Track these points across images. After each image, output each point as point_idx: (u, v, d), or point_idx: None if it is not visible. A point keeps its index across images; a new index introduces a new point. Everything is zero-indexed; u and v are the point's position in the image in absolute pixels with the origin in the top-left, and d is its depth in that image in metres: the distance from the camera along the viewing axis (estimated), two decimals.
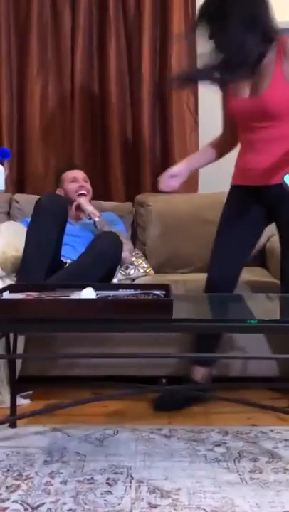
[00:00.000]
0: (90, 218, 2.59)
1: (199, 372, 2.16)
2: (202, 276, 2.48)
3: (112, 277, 2.31)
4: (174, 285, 1.68)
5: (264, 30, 1.90)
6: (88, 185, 2.76)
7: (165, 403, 2.11)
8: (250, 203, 2.07)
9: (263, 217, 2.09)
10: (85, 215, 2.65)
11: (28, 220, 2.38)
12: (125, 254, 2.50)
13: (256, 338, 2.19)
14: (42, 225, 2.13)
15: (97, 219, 2.56)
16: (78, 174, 2.76)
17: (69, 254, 2.39)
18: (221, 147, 2.20)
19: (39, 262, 2.11)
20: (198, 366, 2.16)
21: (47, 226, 2.14)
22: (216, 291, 2.09)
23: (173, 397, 2.10)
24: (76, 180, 2.73)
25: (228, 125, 2.16)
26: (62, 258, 2.31)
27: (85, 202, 2.65)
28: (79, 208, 2.67)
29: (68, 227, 2.33)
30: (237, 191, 2.13)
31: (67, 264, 2.33)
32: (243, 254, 2.15)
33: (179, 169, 2.19)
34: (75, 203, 2.65)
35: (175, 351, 2.23)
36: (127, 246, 2.57)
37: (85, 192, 2.71)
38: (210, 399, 2.14)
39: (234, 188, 2.16)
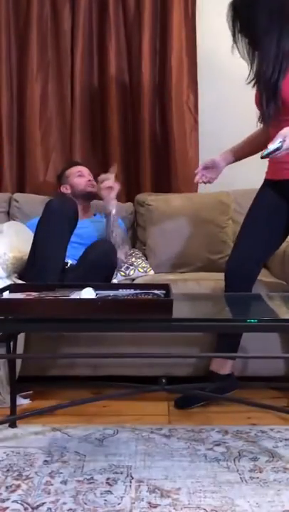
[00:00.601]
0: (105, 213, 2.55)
1: (223, 365, 2.16)
2: (202, 276, 2.49)
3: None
4: (174, 285, 1.68)
5: None
6: (93, 180, 2.74)
7: (186, 401, 2.12)
8: (277, 200, 2.08)
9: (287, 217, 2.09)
10: (105, 209, 2.57)
11: (33, 221, 2.39)
12: (121, 257, 2.50)
13: (260, 336, 2.17)
14: (55, 228, 2.14)
15: (114, 211, 2.53)
16: (83, 169, 2.76)
17: (68, 252, 2.39)
18: (259, 140, 2.18)
19: (55, 262, 2.12)
20: (221, 359, 2.16)
21: (60, 229, 2.15)
22: (231, 286, 2.09)
23: (194, 395, 2.12)
24: (82, 175, 2.72)
25: None
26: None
27: (114, 196, 2.56)
28: (95, 195, 2.66)
29: None
30: (266, 186, 2.15)
31: (68, 265, 2.33)
32: (262, 252, 2.13)
33: (213, 161, 2.21)
34: (106, 183, 2.53)
35: (175, 351, 2.23)
36: (124, 249, 2.57)
37: (94, 184, 2.69)
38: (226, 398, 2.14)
39: (265, 182, 2.17)
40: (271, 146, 1.81)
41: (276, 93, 1.94)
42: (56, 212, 2.17)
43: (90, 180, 2.71)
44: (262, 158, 1.85)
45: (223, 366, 2.15)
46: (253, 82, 2.04)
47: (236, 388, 2.17)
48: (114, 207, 2.55)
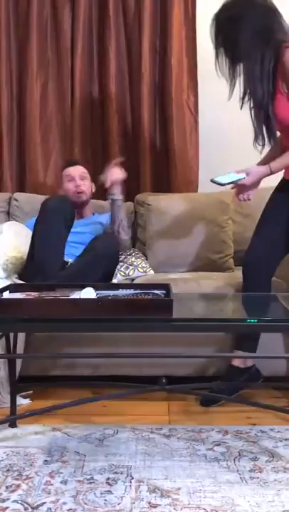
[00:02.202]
0: (112, 199, 2.52)
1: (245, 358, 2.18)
2: (202, 276, 2.49)
3: (111, 278, 2.31)
4: (173, 285, 1.68)
5: (275, 42, 1.95)
6: (85, 183, 2.63)
7: (210, 399, 2.14)
8: None
9: None
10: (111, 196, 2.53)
11: (32, 220, 2.38)
12: (125, 237, 2.51)
13: (261, 336, 2.16)
14: (52, 225, 2.15)
15: (120, 198, 2.52)
16: (75, 172, 2.63)
17: (67, 251, 2.39)
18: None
19: (54, 258, 2.13)
20: (238, 351, 2.17)
21: (57, 226, 2.15)
22: (250, 274, 2.13)
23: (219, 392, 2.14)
24: (72, 179, 2.61)
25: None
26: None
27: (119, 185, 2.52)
28: (84, 202, 2.63)
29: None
30: (285, 185, 2.17)
31: (68, 264, 2.34)
32: (283, 244, 2.13)
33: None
34: (115, 178, 2.50)
35: (175, 351, 2.23)
36: (128, 232, 2.58)
37: (81, 191, 2.60)
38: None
39: (284, 182, 2.18)
40: (233, 176, 2.01)
41: (268, 114, 1.98)
42: (52, 210, 2.17)
43: (76, 186, 2.59)
44: (211, 181, 1.99)
45: (246, 359, 2.17)
46: (244, 103, 2.05)
47: (261, 378, 2.20)
48: (119, 194, 2.53)
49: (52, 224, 2.16)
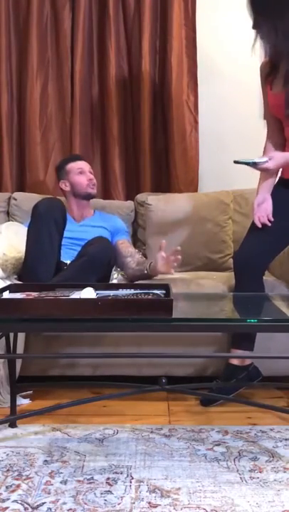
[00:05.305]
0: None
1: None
2: (202, 275, 2.49)
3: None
4: (173, 284, 1.68)
5: None
6: (94, 178, 2.68)
7: (210, 399, 2.13)
8: None
9: None
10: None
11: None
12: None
13: (264, 336, 2.16)
14: (43, 231, 2.13)
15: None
16: (84, 165, 2.67)
17: (68, 254, 2.39)
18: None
19: (46, 263, 2.12)
20: (236, 349, 2.16)
21: (48, 229, 2.14)
22: (238, 271, 2.12)
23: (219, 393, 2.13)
24: (83, 172, 2.64)
25: (271, 124, 2.17)
26: (62, 259, 2.31)
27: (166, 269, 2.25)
28: (94, 196, 2.65)
29: (70, 227, 2.33)
30: (283, 184, 2.17)
31: (66, 266, 2.33)
32: (275, 243, 2.13)
33: (263, 196, 2.16)
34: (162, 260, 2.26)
35: (175, 351, 2.23)
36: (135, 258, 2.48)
37: (95, 184, 2.66)
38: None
39: (280, 181, 2.19)
40: (258, 159, 1.97)
41: None
42: (42, 215, 2.15)
43: (90, 179, 2.65)
44: (235, 162, 1.95)
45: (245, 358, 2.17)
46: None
47: (260, 376, 2.19)
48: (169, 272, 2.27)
49: (43, 229, 2.14)
